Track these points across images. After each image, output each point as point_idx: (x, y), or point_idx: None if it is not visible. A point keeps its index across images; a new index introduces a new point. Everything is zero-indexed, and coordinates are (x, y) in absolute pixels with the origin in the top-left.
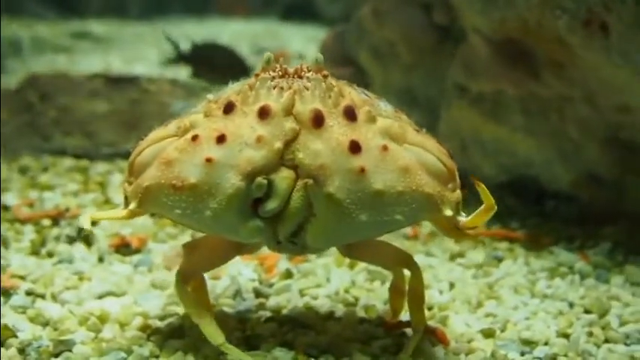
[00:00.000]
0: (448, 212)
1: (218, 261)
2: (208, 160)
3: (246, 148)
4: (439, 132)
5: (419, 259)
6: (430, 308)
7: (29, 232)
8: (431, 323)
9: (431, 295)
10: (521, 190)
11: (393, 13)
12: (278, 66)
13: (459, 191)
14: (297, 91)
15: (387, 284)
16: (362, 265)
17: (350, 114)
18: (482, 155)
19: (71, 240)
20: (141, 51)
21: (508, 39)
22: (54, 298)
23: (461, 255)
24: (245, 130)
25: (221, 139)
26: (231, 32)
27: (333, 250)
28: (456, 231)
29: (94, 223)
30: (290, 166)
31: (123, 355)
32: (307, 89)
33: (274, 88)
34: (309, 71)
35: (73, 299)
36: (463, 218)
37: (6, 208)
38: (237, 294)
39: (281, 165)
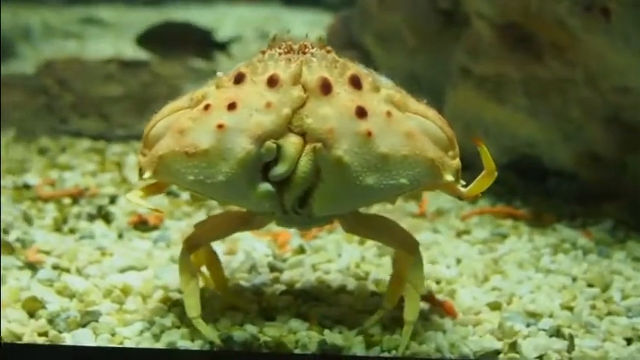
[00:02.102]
0: (449, 177)
1: (225, 232)
2: (220, 126)
3: (255, 113)
4: (444, 114)
5: (426, 235)
6: (438, 282)
7: (51, 210)
8: (439, 296)
9: (438, 270)
10: (523, 170)
11: None
12: (284, 43)
13: (458, 159)
14: (304, 61)
15: None
16: (371, 241)
17: (356, 82)
18: (486, 136)
19: (92, 217)
20: None
21: (511, 23)
22: (79, 272)
23: (466, 232)
24: (255, 97)
25: (232, 106)
26: (235, 17)
27: None
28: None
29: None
30: (298, 133)
31: (146, 325)
32: (314, 60)
33: (282, 60)
34: (312, 48)
35: (97, 273)
36: (463, 189)
37: (28, 187)
38: (253, 268)
39: (289, 131)
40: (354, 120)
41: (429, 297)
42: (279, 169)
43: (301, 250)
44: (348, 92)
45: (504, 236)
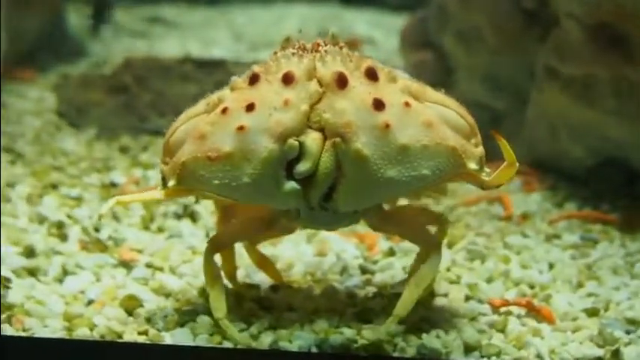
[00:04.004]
0: (473, 165)
1: (249, 234)
2: (240, 128)
3: (274, 112)
4: (527, 115)
5: (515, 239)
6: (532, 287)
7: (138, 209)
8: (535, 302)
9: (531, 275)
10: (610, 173)
11: None
12: (296, 43)
13: (481, 147)
14: (317, 57)
15: (487, 263)
16: (461, 243)
17: (372, 74)
18: (571, 138)
19: (178, 216)
20: (214, 35)
21: (602, 23)
22: (172, 271)
23: (556, 236)
24: (272, 96)
25: (250, 107)
26: (296, 16)
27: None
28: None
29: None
30: (317, 129)
31: (243, 326)
32: (328, 56)
33: (295, 58)
34: (325, 45)
35: (190, 272)
36: (487, 177)
37: (114, 185)
38: (344, 270)
39: (308, 128)
40: (371, 112)
41: (526, 302)
42: (304, 166)
43: (391, 253)
44: (365, 85)
45: (595, 241)
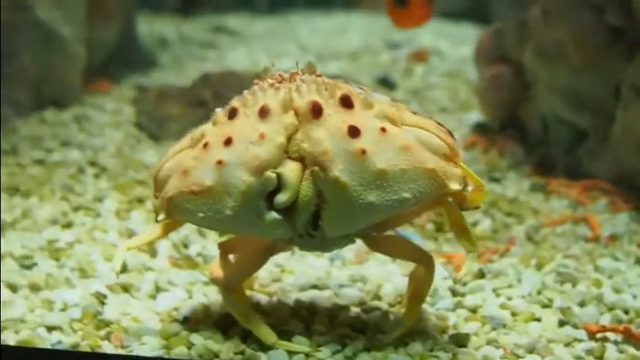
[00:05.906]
0: (455, 186)
1: (255, 265)
2: (219, 163)
3: (251, 146)
4: (612, 134)
5: (606, 262)
6: (626, 312)
7: None
8: (633, 328)
9: (625, 300)
10: None
11: (563, 14)
12: (274, 74)
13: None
14: (293, 88)
15: (579, 286)
16: (550, 266)
17: (347, 102)
18: None
19: None
20: (280, 45)
21: None
22: (263, 289)
23: None
24: (248, 130)
25: (228, 142)
26: (358, 26)
27: (517, 250)
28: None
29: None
30: (296, 159)
31: (337, 347)
32: (303, 85)
33: (271, 90)
34: (302, 74)
35: (280, 291)
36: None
37: None
38: (435, 292)
39: (287, 158)
40: (347, 140)
41: (623, 328)
42: (282, 197)
43: (481, 275)
44: (340, 113)
45: None
